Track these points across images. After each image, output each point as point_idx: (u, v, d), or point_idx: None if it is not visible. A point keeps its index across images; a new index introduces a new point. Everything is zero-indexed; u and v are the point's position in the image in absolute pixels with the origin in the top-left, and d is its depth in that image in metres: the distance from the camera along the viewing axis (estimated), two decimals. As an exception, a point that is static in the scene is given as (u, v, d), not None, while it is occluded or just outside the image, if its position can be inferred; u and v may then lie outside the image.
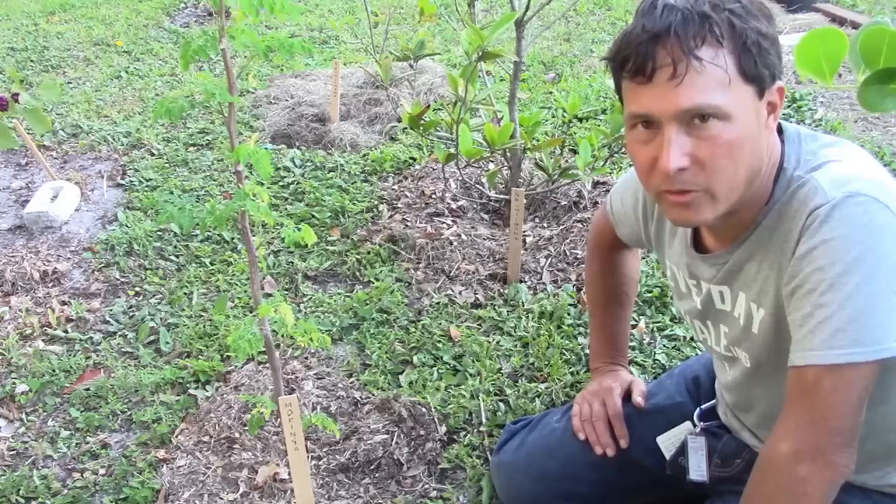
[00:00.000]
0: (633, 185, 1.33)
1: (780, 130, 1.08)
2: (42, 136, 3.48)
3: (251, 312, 2.23)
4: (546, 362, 1.97)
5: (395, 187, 2.88)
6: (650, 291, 2.21)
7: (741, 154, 0.96)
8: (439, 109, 3.03)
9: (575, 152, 2.51)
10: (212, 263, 2.51)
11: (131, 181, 3.08)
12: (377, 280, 2.36)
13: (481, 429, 1.80)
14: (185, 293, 2.37)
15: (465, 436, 1.78)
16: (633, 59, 0.96)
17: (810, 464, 0.96)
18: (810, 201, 0.97)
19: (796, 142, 1.05)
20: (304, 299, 2.31)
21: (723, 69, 0.93)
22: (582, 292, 2.23)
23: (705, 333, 1.24)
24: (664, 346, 2.02)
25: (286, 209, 2.80)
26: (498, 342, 2.07)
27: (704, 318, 1.22)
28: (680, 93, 0.94)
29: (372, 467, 1.69)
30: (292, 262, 2.48)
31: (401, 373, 1.99)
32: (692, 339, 2.03)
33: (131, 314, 2.30)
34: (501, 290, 2.28)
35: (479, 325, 2.15)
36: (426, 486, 1.67)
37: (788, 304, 1.00)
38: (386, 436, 1.75)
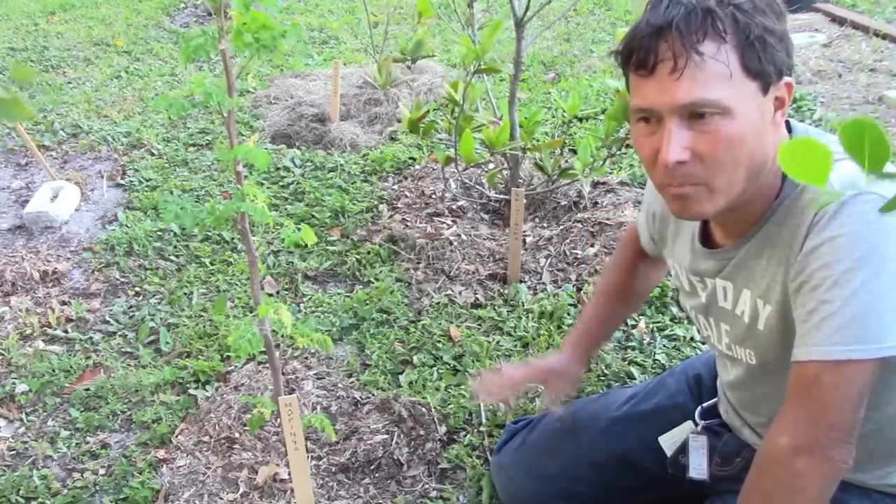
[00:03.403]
0: (646, 205, 1.36)
1: (789, 128, 1.07)
2: (42, 135, 3.48)
3: (251, 312, 2.23)
4: (546, 362, 1.97)
5: (395, 187, 2.88)
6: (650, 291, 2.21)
7: (742, 149, 0.96)
8: (438, 110, 3.03)
9: (575, 152, 2.51)
10: (212, 263, 2.51)
11: (131, 181, 3.08)
12: (377, 280, 2.36)
13: (481, 429, 1.80)
14: (185, 293, 2.37)
15: (465, 436, 1.78)
16: (636, 53, 0.97)
17: (808, 458, 0.96)
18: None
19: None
20: (304, 299, 2.31)
21: (724, 64, 0.94)
22: (582, 292, 2.23)
23: (708, 330, 1.24)
24: (664, 346, 2.02)
25: (286, 209, 2.80)
26: (498, 342, 2.06)
27: (707, 315, 1.22)
28: (680, 86, 0.94)
29: (372, 467, 1.69)
30: (292, 262, 2.48)
31: (401, 373, 1.99)
32: (692, 339, 2.03)
33: (131, 314, 2.30)
34: (501, 290, 2.28)
35: (479, 325, 2.15)
36: (426, 486, 1.67)
37: (794, 300, 1.00)
38: (386, 436, 1.75)
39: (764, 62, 0.95)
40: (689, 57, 0.93)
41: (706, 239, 1.19)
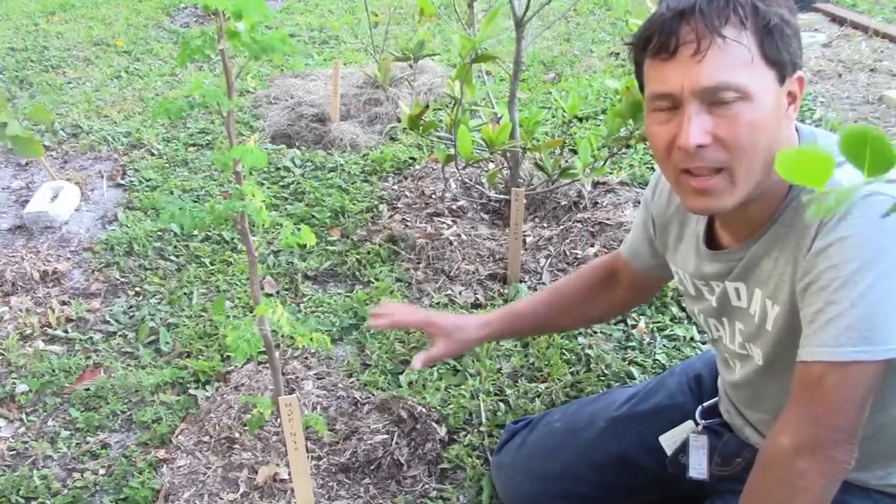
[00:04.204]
0: (640, 221, 1.36)
1: (795, 130, 1.07)
2: (42, 135, 3.48)
3: (251, 312, 2.23)
4: (546, 362, 1.97)
5: (395, 187, 2.88)
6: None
7: (761, 135, 0.96)
8: (439, 110, 3.03)
9: (575, 152, 2.51)
10: (212, 263, 2.51)
11: (131, 181, 3.08)
12: (377, 280, 2.36)
13: (481, 429, 1.80)
14: (185, 293, 2.37)
15: (465, 436, 1.78)
16: (657, 37, 0.97)
17: (809, 458, 0.96)
18: None
19: (812, 140, 1.05)
20: (304, 299, 2.31)
21: (746, 48, 0.94)
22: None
23: (721, 331, 1.23)
24: (664, 346, 2.02)
25: (286, 209, 2.80)
26: (498, 342, 2.06)
27: (720, 316, 1.21)
28: (702, 69, 0.94)
29: (372, 467, 1.69)
30: (292, 262, 2.48)
31: (401, 373, 1.99)
32: (692, 339, 2.03)
33: (131, 314, 2.30)
34: (501, 290, 2.28)
35: (479, 325, 2.15)
36: (426, 486, 1.67)
37: (801, 301, 1.00)
38: (386, 436, 1.75)
39: (781, 51, 0.96)
40: (713, 39, 0.94)
41: (710, 242, 1.18)
